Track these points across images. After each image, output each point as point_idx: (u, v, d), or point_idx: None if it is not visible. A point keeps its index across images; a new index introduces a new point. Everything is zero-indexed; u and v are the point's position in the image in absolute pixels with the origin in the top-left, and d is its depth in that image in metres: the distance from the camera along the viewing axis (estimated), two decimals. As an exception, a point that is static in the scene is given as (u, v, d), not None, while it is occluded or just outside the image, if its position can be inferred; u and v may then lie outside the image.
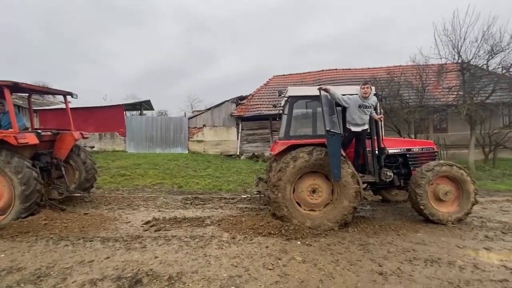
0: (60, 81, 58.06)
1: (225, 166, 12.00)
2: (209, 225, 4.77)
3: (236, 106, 16.05)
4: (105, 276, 3.01)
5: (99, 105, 17.08)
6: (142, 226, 4.72)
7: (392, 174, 4.96)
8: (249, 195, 7.08)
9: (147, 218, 5.09)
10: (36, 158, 5.41)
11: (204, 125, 16.15)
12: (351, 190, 4.44)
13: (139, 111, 21.71)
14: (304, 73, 18.09)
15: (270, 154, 6.44)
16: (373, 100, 4.83)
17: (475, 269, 3.24)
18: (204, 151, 15.77)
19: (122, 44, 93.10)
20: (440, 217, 4.73)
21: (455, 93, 11.16)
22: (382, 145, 4.98)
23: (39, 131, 5.72)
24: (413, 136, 12.62)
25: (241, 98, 16.78)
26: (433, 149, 5.51)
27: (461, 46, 10.17)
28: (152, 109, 22.77)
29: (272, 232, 4.29)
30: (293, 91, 4.97)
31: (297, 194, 4.64)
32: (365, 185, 5.17)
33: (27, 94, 6.83)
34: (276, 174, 4.58)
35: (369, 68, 16.81)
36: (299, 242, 3.99)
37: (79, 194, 6.13)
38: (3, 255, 3.51)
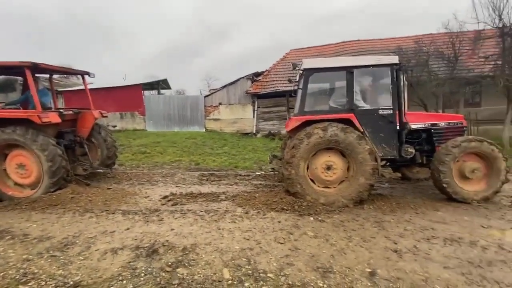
0: (81, 62, 59.76)
1: (241, 144, 12.05)
2: (224, 200, 4.86)
3: (252, 83, 15.73)
4: (125, 245, 3.19)
5: (118, 85, 17.44)
6: (160, 201, 4.91)
7: (413, 151, 4.70)
8: (264, 172, 7.10)
9: (165, 193, 5.29)
10: (60, 137, 5.68)
11: (220, 103, 16.10)
12: (368, 167, 4.28)
13: (157, 90, 21.98)
14: (323, 45, 17.14)
15: (286, 132, 6.30)
16: None
17: (499, 249, 3.07)
18: (220, 130, 15.86)
19: (138, 24, 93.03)
20: (464, 196, 4.48)
21: (493, 62, 10.13)
22: (404, 120, 4.68)
23: (61, 110, 5.96)
24: (441, 111, 11.80)
25: (257, 74, 16.35)
26: (461, 124, 5.11)
27: (503, 8, 9.11)
28: (169, 88, 22.93)
29: (285, 207, 4.30)
30: (308, 63, 4.71)
31: (311, 171, 4.56)
32: (384, 162, 4.97)
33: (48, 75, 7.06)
34: (289, 151, 4.50)
35: (394, 38, 15.55)
36: (311, 218, 3.98)
37: (102, 170, 6.44)
38: (34, 225, 3.81)
